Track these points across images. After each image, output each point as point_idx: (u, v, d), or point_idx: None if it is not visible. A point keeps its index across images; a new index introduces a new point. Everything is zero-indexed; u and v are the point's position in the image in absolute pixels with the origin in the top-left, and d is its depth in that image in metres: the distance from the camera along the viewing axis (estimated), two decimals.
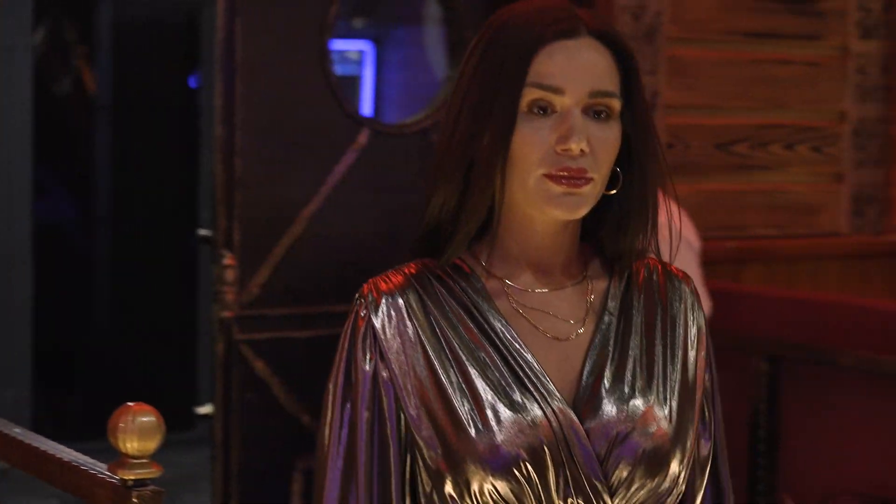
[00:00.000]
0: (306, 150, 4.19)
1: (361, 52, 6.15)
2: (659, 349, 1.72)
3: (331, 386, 1.69)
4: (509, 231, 1.70)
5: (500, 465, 1.60)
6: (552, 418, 1.62)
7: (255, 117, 4.09)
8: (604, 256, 1.76)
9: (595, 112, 1.64)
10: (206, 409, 4.26)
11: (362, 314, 1.69)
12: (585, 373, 1.67)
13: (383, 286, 1.70)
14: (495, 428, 1.61)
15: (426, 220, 1.70)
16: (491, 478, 1.60)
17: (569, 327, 1.70)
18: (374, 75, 6.11)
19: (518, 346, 1.66)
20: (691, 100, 4.52)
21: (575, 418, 1.63)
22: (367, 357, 1.67)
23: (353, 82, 6.04)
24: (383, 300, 1.69)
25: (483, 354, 1.66)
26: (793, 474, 3.96)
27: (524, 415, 1.62)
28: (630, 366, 1.69)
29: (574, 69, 1.64)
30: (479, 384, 1.64)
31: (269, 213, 4.14)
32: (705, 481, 1.77)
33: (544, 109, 1.64)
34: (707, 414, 1.77)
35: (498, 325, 1.67)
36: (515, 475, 1.60)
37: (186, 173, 7.15)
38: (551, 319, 1.70)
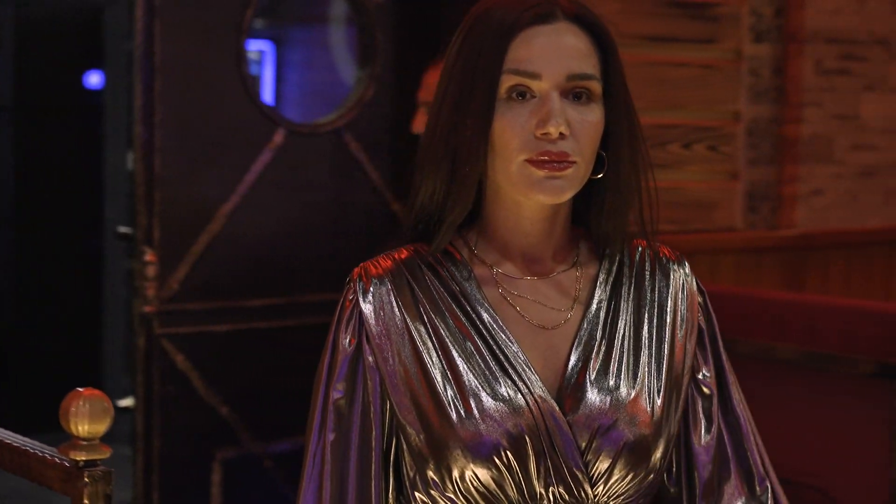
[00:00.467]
0: (224, 149, 4.18)
1: (261, 52, 6.14)
2: (646, 337, 1.69)
3: (319, 366, 1.67)
4: (498, 218, 1.68)
5: (482, 452, 1.58)
6: (534, 407, 1.60)
7: (174, 117, 4.07)
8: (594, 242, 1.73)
9: (574, 95, 1.62)
10: (126, 402, 4.25)
11: (350, 297, 1.67)
12: (571, 362, 1.65)
13: (373, 271, 1.67)
14: (477, 416, 1.59)
15: (416, 207, 1.67)
16: (472, 465, 1.58)
17: (556, 315, 1.67)
18: (273, 75, 6.11)
19: (504, 336, 1.64)
20: None
21: (556, 407, 1.61)
22: (348, 339, 1.65)
23: (252, 82, 6.03)
24: (372, 285, 1.66)
25: (469, 343, 1.63)
26: None
27: (506, 404, 1.60)
28: (616, 355, 1.66)
29: (550, 53, 1.60)
30: (464, 372, 1.61)
31: (188, 211, 4.12)
32: (721, 470, 1.75)
33: (523, 95, 1.61)
34: (719, 395, 1.75)
35: (485, 314, 1.65)
36: (496, 463, 1.58)
37: (90, 172, 7.13)
38: (539, 307, 1.67)
